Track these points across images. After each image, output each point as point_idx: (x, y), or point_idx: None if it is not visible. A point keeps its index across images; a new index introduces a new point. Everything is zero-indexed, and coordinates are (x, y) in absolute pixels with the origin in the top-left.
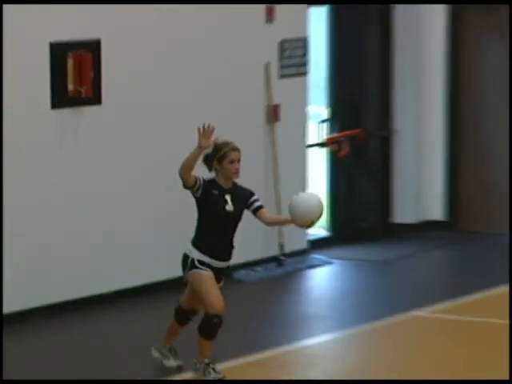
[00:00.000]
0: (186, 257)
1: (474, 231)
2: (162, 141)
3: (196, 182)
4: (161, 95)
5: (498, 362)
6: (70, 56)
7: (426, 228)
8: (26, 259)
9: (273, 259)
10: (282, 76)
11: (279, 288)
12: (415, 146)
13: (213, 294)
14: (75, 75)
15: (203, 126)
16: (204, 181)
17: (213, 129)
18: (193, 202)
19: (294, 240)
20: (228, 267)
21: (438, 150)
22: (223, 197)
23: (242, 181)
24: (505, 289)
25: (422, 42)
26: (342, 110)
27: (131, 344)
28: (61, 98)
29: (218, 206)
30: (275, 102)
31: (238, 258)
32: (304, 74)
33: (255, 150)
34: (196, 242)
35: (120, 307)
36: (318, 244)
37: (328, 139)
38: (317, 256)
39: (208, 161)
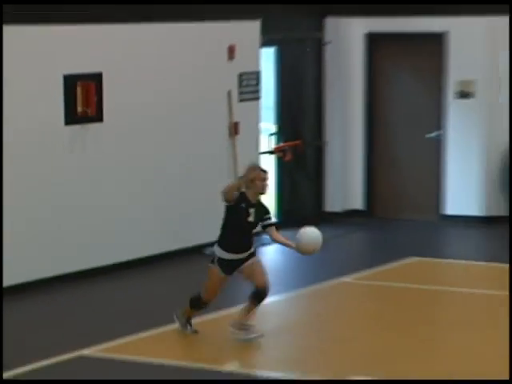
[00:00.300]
0: (213, 252)
1: (387, 217)
2: (150, 148)
3: (234, 198)
4: (149, 114)
5: (408, 315)
6: (79, 85)
7: (350, 215)
8: (29, 238)
9: None
10: (241, 100)
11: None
12: (342, 154)
13: (212, 291)
14: (83, 99)
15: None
16: (237, 194)
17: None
18: (167, 195)
19: None
20: (252, 253)
21: (358, 157)
22: (247, 210)
23: (215, 178)
24: (411, 260)
25: (346, 74)
26: (286, 126)
27: (124, 308)
28: (72, 117)
29: (243, 217)
30: (235, 120)
31: (208, 237)
32: (257, 98)
33: (221, 156)
34: (220, 243)
35: (113, 278)
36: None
37: (275, 148)
38: (267, 237)
39: (239, 183)
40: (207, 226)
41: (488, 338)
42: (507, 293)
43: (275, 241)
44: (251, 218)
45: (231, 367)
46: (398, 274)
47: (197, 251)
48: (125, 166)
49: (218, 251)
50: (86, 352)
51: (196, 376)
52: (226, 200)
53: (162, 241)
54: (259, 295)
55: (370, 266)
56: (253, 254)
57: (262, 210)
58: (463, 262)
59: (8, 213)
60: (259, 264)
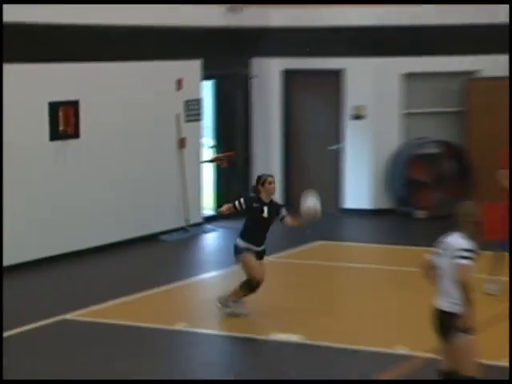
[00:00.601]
0: (236, 246)
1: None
2: (116, 158)
3: (236, 208)
4: (116, 131)
5: (318, 284)
6: (61, 110)
7: None
8: (20, 228)
9: (182, 228)
10: (187, 121)
11: (186, 245)
12: (264, 161)
13: (254, 269)
14: (64, 121)
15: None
16: (245, 200)
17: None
18: (130, 193)
19: (194, 216)
20: (264, 250)
21: (277, 163)
22: (262, 208)
23: (168, 180)
24: (319, 243)
25: (268, 101)
26: (222, 140)
27: (99, 282)
28: (55, 134)
29: (258, 215)
30: (183, 136)
31: (162, 227)
32: (199, 120)
33: (172, 163)
34: (242, 236)
35: (88, 260)
36: (208, 219)
37: (214, 158)
38: (208, 226)
39: (254, 188)
40: (161, 218)
41: (377, 301)
42: (392, 267)
43: (290, 225)
44: (265, 215)
45: (179, 326)
46: (309, 254)
47: (153, 238)
48: (96, 171)
49: (242, 243)
50: (68, 316)
51: (154, 334)
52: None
53: (126, 230)
54: (253, 287)
55: (287, 248)
56: (263, 252)
57: (275, 207)
58: (358, 244)
59: (6, 208)
60: (264, 263)
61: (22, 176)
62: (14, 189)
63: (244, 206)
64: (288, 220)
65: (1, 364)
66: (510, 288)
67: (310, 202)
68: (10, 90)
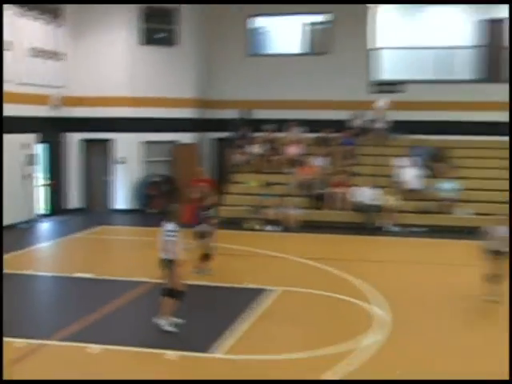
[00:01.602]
0: None
1: (94, 210)
2: None
3: None
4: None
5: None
6: None
7: (77, 210)
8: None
9: (28, 221)
10: (28, 165)
11: (31, 229)
12: (69, 186)
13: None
14: None
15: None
16: None
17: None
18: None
19: (35, 213)
20: None
21: (75, 186)
22: None
23: (21, 195)
24: (104, 226)
25: (72, 154)
26: (51, 174)
27: None
28: None
29: None
30: (27, 173)
31: (17, 219)
32: (36, 164)
33: (22, 186)
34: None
35: None
36: (42, 216)
37: (46, 183)
38: (42, 219)
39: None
40: (17, 215)
41: (134, 255)
42: (144, 238)
43: None
44: None
45: (28, 272)
46: (103, 232)
47: (13, 226)
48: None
49: None
50: None
51: (14, 275)
52: None
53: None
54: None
55: (87, 228)
56: None
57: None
58: (123, 227)
59: None
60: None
61: None
62: None
63: None
64: None
65: (1, 365)
66: (510, 289)
67: None
68: None
